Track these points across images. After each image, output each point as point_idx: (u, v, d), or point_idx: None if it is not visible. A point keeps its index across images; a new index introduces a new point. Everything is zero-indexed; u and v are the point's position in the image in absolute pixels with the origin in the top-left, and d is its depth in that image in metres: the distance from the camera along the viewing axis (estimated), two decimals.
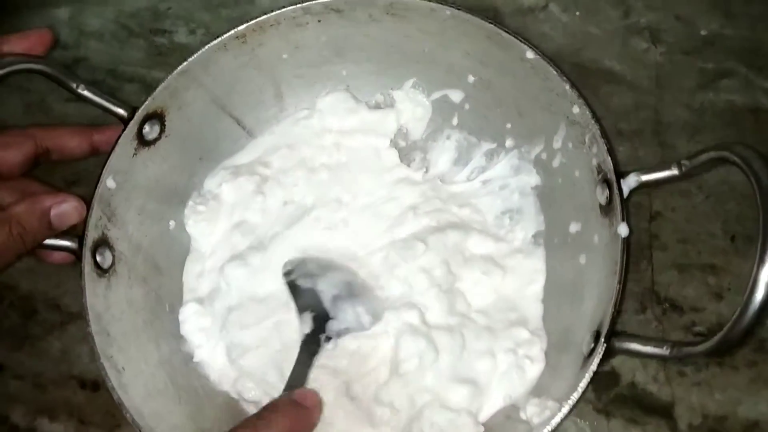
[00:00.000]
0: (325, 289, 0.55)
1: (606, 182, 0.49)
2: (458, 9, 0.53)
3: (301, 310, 0.54)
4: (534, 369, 0.51)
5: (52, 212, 0.49)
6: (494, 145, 0.59)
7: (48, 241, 0.50)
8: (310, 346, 0.53)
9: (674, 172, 0.46)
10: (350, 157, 0.60)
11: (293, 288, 0.55)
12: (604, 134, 0.49)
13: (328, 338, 0.54)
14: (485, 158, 0.59)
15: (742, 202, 0.59)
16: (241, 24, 0.55)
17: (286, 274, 0.56)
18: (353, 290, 0.55)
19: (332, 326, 0.54)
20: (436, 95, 0.60)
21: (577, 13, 0.68)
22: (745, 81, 0.63)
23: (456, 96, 0.59)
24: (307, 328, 0.54)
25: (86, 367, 0.58)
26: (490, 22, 0.52)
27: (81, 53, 0.70)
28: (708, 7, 0.67)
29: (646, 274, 0.57)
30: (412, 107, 0.60)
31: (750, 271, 0.38)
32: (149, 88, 0.66)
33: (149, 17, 0.72)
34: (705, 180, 0.60)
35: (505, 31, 0.52)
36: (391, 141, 0.61)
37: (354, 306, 0.54)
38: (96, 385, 0.57)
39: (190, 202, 0.59)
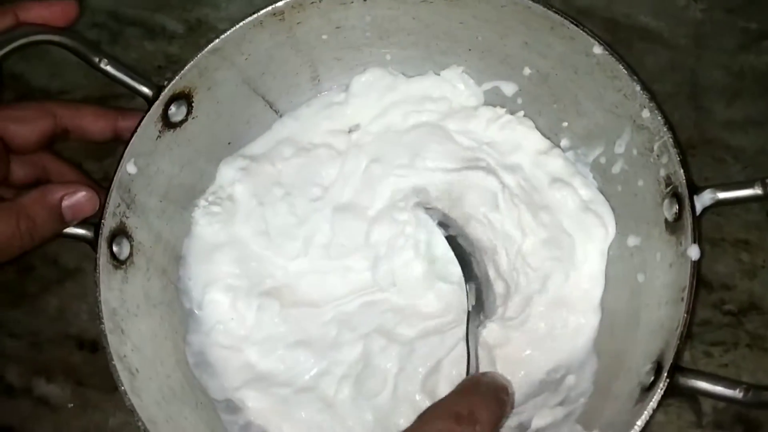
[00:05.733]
0: (481, 261, 0.50)
1: (676, 196, 0.44)
2: None
3: (466, 278, 0.49)
4: None
5: (64, 203, 0.45)
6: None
7: None
8: (474, 322, 0.48)
9: (757, 191, 0.41)
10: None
11: (453, 246, 0.50)
12: (677, 143, 0.44)
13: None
14: None
15: None
16: None
17: (441, 225, 0.51)
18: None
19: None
20: (486, 86, 0.55)
21: None
22: None
23: (509, 89, 0.55)
24: (473, 300, 0.49)
25: (84, 326, 0.56)
26: (555, 11, 0.47)
27: None
28: None
29: None
30: (464, 92, 0.55)
31: None
32: (151, 32, 0.64)
33: None
34: (742, 149, 0.56)
35: (572, 21, 0.47)
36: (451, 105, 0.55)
37: (493, 292, 0.50)
38: (94, 346, 0.55)
39: (203, 202, 0.54)
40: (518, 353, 0.50)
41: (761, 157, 0.56)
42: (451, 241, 0.50)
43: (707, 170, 0.56)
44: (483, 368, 0.48)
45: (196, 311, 0.52)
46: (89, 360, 0.55)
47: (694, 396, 0.50)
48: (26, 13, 0.46)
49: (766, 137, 0.57)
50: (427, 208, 0.52)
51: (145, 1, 0.65)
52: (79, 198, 0.46)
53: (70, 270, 0.57)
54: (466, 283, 0.49)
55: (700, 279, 0.50)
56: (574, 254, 0.50)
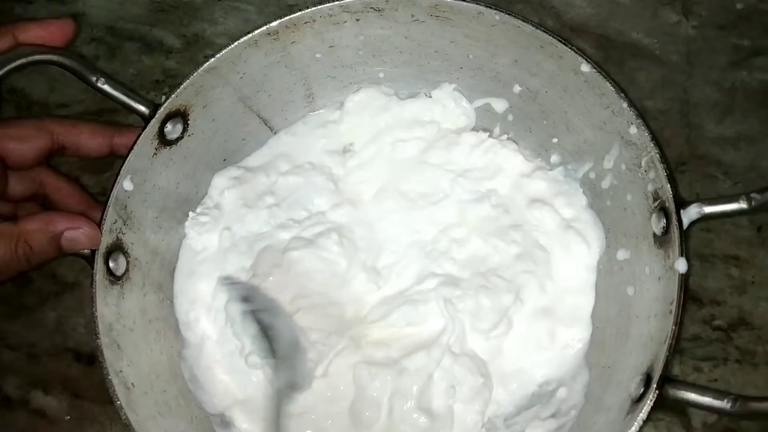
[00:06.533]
0: (286, 334, 0.50)
1: (663, 211, 0.45)
2: (509, 14, 0.49)
3: (276, 352, 0.49)
4: None
5: (64, 236, 0.46)
6: (538, 161, 0.55)
7: None
8: (282, 397, 0.48)
9: (742, 205, 0.42)
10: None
11: (255, 321, 0.49)
12: (664, 158, 0.45)
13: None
14: None
15: None
16: (275, 20, 0.51)
17: (244, 300, 0.50)
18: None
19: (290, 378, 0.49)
20: (478, 103, 0.56)
21: None
22: None
23: (499, 105, 0.55)
24: (285, 378, 0.48)
25: (82, 339, 0.56)
26: (543, 30, 0.48)
27: (79, 8, 0.66)
28: None
29: None
30: (454, 111, 0.56)
31: None
32: (149, 47, 0.64)
33: None
34: (733, 165, 0.57)
35: (560, 40, 0.48)
36: (439, 129, 0.56)
37: (304, 361, 0.49)
38: (92, 359, 0.55)
39: (191, 214, 0.54)
40: (511, 366, 0.50)
41: (751, 174, 0.57)
42: (256, 316, 0.50)
43: (698, 186, 0.57)
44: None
45: (183, 333, 0.52)
46: (86, 373, 0.55)
47: (684, 411, 0.51)
48: (24, 33, 0.46)
49: (757, 153, 0.57)
50: (230, 284, 0.52)
51: (142, 16, 0.66)
52: (79, 234, 0.47)
53: (68, 283, 0.58)
54: (275, 359, 0.49)
55: (689, 294, 0.51)
56: (549, 267, 0.51)
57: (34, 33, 0.47)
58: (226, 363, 0.51)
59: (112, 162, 0.58)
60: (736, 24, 0.61)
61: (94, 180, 0.60)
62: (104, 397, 0.52)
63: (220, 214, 0.54)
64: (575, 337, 0.50)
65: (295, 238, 0.53)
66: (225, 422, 0.50)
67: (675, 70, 0.60)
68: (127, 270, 0.49)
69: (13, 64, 0.46)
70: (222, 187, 0.55)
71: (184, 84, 0.50)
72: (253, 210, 0.54)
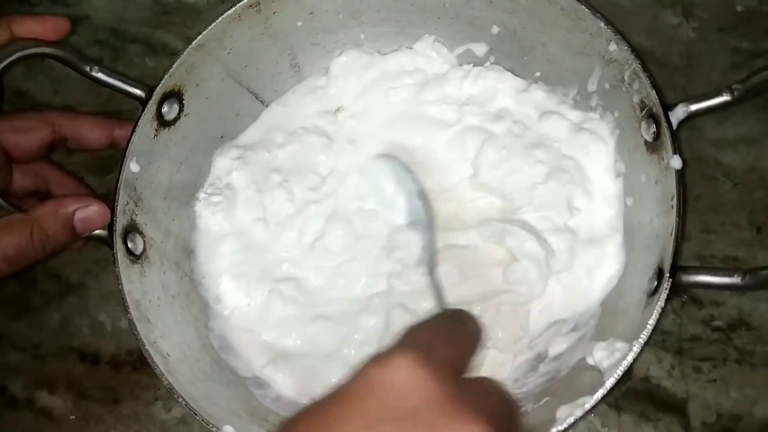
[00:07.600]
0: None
1: (652, 117, 0.47)
2: None
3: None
4: None
5: (76, 217, 0.47)
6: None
7: None
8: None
9: (726, 98, 0.44)
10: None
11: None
12: (646, 68, 0.47)
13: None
14: None
15: None
16: None
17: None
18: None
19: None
20: (459, 50, 0.58)
21: None
22: None
23: (480, 49, 0.57)
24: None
25: (86, 339, 0.56)
26: None
27: (83, 11, 0.67)
28: None
29: None
30: (437, 61, 0.58)
31: None
32: (153, 49, 0.64)
33: None
34: (733, 167, 0.57)
35: None
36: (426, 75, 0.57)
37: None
38: (96, 359, 0.56)
39: (203, 194, 0.56)
40: (543, 301, 0.51)
41: (752, 175, 0.57)
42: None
43: (697, 188, 0.56)
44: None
45: (213, 306, 0.53)
46: (91, 372, 0.56)
47: (683, 410, 0.51)
48: (20, 27, 0.48)
49: (756, 155, 0.57)
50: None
51: (146, 18, 0.66)
52: (90, 212, 0.48)
53: (72, 284, 0.58)
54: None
55: (689, 296, 0.50)
56: (584, 172, 0.52)
57: (29, 27, 0.48)
58: (264, 322, 0.53)
59: (116, 162, 0.59)
60: (737, 26, 0.61)
61: (99, 181, 0.60)
62: (109, 396, 0.54)
63: (234, 195, 0.55)
64: (613, 266, 0.50)
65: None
66: (260, 383, 0.51)
67: (676, 71, 0.60)
68: (144, 249, 0.50)
69: (11, 58, 0.47)
70: (228, 168, 0.56)
71: (176, 63, 0.51)
72: (266, 193, 0.55)
